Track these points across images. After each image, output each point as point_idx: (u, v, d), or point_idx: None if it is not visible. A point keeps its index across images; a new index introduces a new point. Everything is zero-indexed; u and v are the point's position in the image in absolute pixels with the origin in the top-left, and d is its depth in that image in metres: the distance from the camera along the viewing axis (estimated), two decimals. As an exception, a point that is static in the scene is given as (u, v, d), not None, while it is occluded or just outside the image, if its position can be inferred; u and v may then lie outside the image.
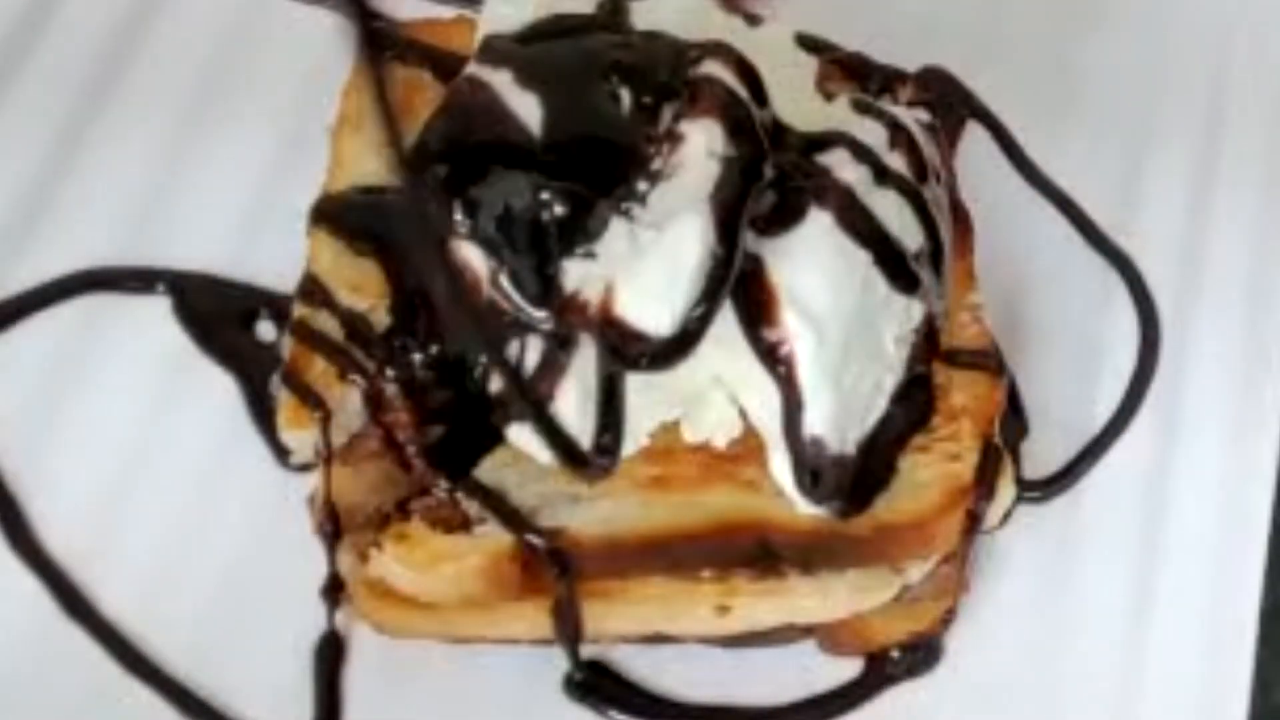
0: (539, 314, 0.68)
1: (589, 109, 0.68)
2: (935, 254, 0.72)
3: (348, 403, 0.71)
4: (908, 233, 0.70)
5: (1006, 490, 0.72)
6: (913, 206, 0.71)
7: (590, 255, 0.67)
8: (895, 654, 0.75)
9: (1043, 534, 0.78)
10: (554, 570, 0.70)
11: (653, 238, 0.66)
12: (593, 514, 0.70)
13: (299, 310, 0.73)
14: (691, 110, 0.67)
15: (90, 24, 0.90)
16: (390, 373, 0.71)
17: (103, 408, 0.80)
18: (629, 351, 0.68)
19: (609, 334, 0.67)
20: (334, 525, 0.72)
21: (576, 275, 0.67)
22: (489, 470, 0.71)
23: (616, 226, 0.67)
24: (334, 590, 0.74)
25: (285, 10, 0.91)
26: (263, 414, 0.79)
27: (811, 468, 0.69)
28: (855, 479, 0.69)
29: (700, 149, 0.67)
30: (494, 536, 0.70)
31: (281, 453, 0.74)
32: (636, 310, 0.67)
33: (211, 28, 0.90)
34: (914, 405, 0.71)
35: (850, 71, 0.78)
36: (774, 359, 0.68)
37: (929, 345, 0.72)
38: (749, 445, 0.70)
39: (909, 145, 0.72)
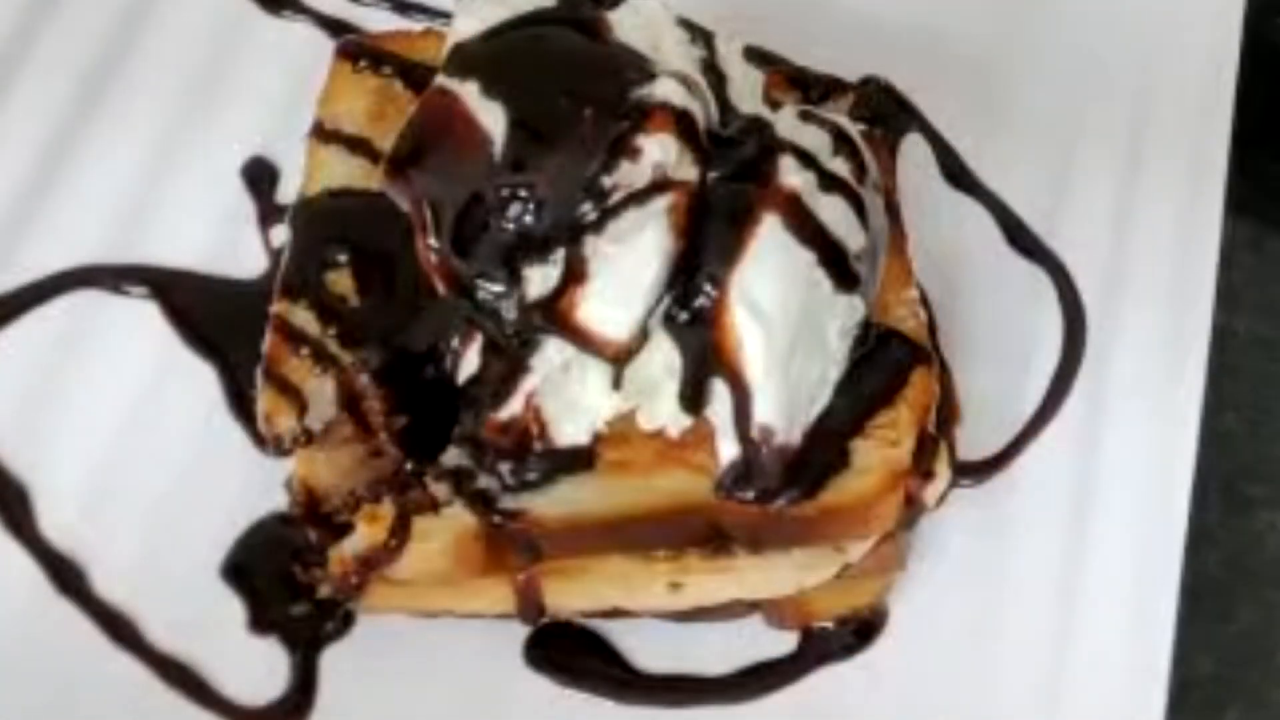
0: (503, 317, 0.70)
1: (551, 122, 0.69)
2: (872, 253, 0.74)
3: (323, 393, 0.73)
4: (850, 234, 0.72)
5: (942, 474, 0.74)
6: (854, 209, 0.73)
7: (553, 263, 0.69)
8: (833, 628, 0.77)
9: (977, 515, 0.80)
10: (517, 550, 0.72)
11: (613, 249, 0.68)
12: (554, 497, 0.72)
13: (278, 305, 0.75)
14: (647, 127, 0.69)
15: (80, 28, 0.90)
16: (363, 364, 0.73)
17: (92, 401, 0.81)
18: (591, 354, 0.70)
19: (570, 337, 0.69)
20: (309, 506, 0.75)
21: (538, 280, 0.69)
22: (456, 455, 0.73)
23: (578, 237, 0.68)
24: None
25: (271, 18, 0.92)
26: (244, 404, 0.80)
27: (759, 455, 0.70)
28: (802, 466, 0.71)
29: (655, 165, 0.69)
30: (460, 518, 0.72)
31: (262, 440, 0.75)
32: (597, 316, 0.69)
33: (200, 33, 0.91)
34: (857, 396, 0.73)
35: (795, 82, 0.80)
36: (724, 353, 0.70)
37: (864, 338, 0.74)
38: (701, 433, 0.72)
39: (850, 151, 0.74)
